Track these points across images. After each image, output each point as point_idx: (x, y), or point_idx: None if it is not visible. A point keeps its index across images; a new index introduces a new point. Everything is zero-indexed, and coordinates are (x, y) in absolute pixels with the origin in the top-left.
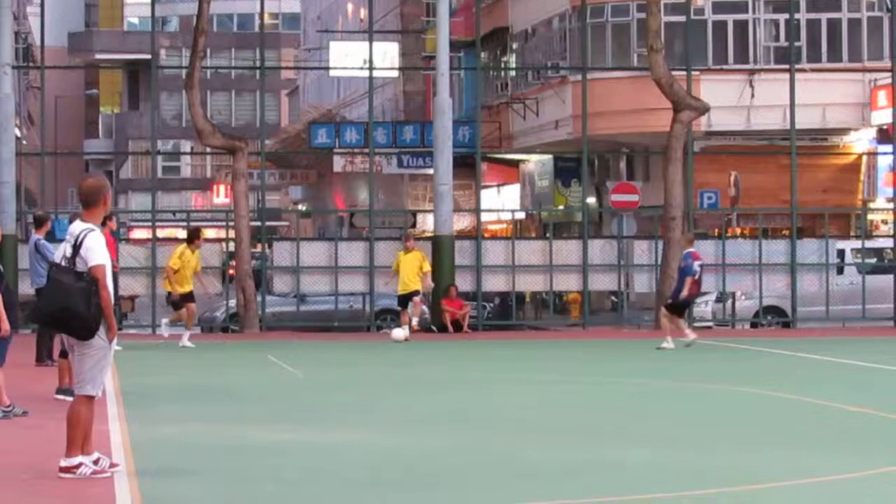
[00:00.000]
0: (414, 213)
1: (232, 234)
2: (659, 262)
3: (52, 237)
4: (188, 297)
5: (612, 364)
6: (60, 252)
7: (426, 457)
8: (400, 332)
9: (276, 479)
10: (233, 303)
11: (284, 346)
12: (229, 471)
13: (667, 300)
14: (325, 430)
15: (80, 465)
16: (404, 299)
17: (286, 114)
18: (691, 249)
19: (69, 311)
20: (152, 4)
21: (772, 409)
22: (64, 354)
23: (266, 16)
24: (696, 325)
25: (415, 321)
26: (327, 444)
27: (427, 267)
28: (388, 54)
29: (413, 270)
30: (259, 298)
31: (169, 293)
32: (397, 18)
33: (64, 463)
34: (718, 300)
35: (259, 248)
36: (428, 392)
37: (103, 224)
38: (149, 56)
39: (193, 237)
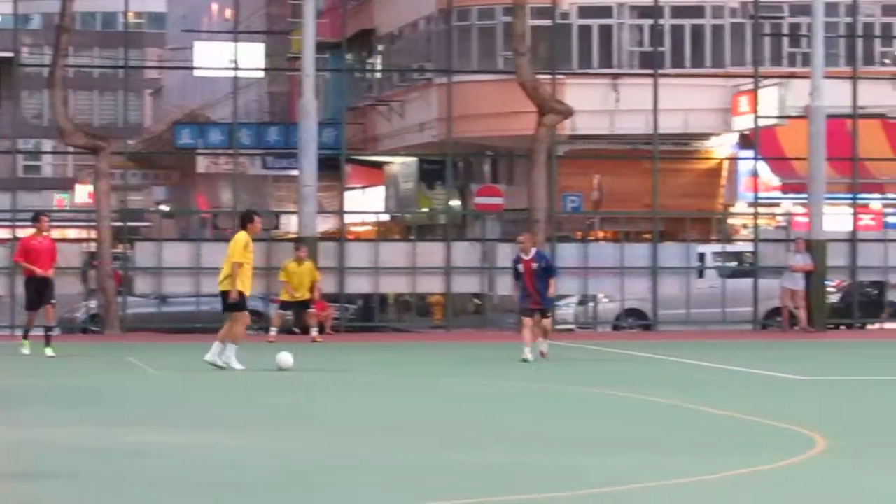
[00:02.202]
0: (277, 215)
1: (94, 234)
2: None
3: None
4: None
5: (475, 366)
6: None
7: (292, 458)
8: (288, 358)
9: (142, 481)
10: (94, 303)
11: (145, 348)
12: (94, 473)
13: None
14: (188, 431)
15: None
16: (290, 306)
17: (150, 113)
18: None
19: None
20: (14, 1)
21: (635, 412)
22: None
23: (131, 15)
24: (557, 327)
25: (314, 331)
26: (191, 446)
27: (318, 276)
28: (253, 55)
29: (308, 282)
30: (120, 299)
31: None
32: (263, 19)
33: None
34: (581, 303)
35: (121, 249)
36: (291, 394)
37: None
38: (11, 54)
39: (247, 221)
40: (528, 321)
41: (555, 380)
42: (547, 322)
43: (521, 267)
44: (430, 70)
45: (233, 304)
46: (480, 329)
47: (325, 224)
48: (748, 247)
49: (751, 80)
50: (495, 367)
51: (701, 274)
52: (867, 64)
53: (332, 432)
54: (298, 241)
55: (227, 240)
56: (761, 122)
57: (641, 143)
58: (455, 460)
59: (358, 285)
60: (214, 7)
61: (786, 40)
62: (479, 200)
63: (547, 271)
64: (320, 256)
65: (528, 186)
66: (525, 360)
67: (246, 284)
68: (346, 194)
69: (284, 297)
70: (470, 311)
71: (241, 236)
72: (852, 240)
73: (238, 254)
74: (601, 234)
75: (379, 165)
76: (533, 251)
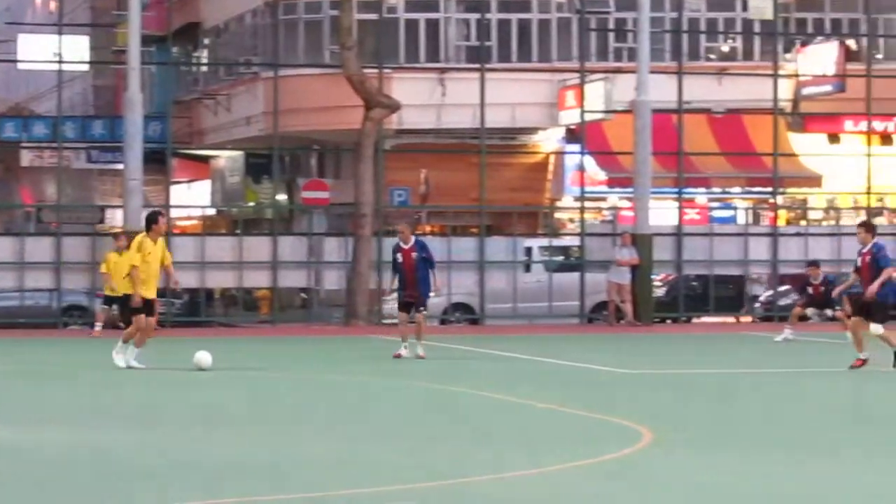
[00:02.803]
0: (102, 209)
1: None
2: (349, 258)
3: None
4: (150, 306)
5: (300, 361)
6: None
7: (107, 454)
8: (207, 358)
9: None
10: None
11: None
12: None
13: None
14: (9, 427)
15: None
16: (114, 300)
17: None
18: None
19: None
20: None
21: (462, 406)
22: None
23: None
24: (384, 322)
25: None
26: (15, 441)
27: None
28: (78, 48)
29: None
30: None
31: (127, 298)
32: (88, 11)
33: None
34: None
35: None
36: (115, 389)
37: None
38: None
39: (152, 222)
40: (403, 316)
41: (389, 374)
42: (420, 317)
43: (399, 256)
44: (256, 64)
45: (134, 308)
46: (307, 323)
47: None
48: (575, 241)
49: (577, 74)
50: (322, 361)
51: (528, 268)
52: (692, 59)
53: (157, 428)
54: (122, 233)
55: (52, 234)
56: (587, 117)
57: (468, 137)
58: (276, 455)
59: (184, 280)
60: None
61: (612, 35)
62: (306, 195)
63: (427, 262)
64: None
65: (354, 180)
66: (399, 357)
67: (149, 287)
68: (172, 188)
69: (107, 291)
70: (296, 306)
71: (137, 238)
72: (678, 234)
73: (131, 256)
74: (428, 229)
75: (205, 159)
76: (412, 240)
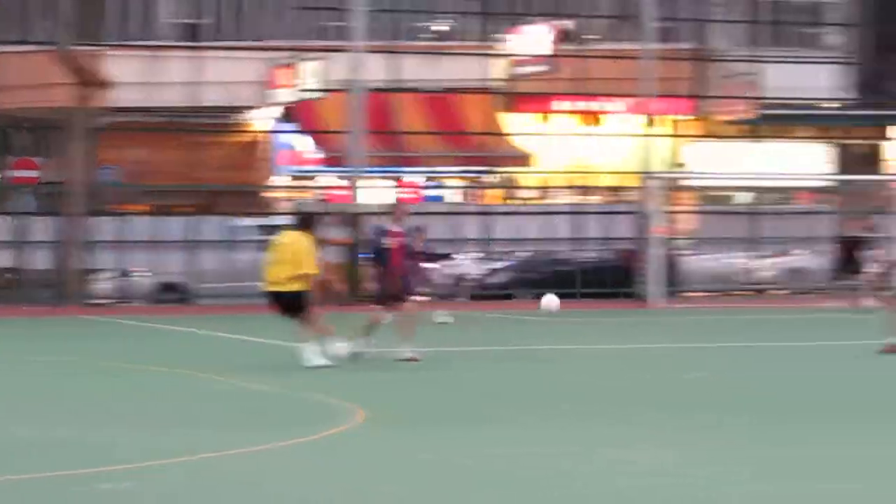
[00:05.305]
0: None
1: None
2: (59, 238)
3: None
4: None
5: (14, 342)
6: None
7: None
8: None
9: None
10: None
11: None
12: None
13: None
14: None
15: None
16: None
17: None
18: None
19: None
20: None
21: (172, 388)
22: None
23: None
24: (94, 302)
25: None
26: None
27: None
28: None
29: None
30: None
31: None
32: None
33: None
34: (117, 277)
35: None
36: None
37: None
38: None
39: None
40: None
41: (93, 355)
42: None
43: (387, 241)
44: None
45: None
46: (15, 304)
47: None
48: (287, 220)
49: (291, 53)
50: (36, 342)
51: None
52: (407, 38)
53: None
54: None
55: None
56: (301, 96)
57: (181, 115)
58: (5, 438)
59: None
60: None
61: (327, 14)
62: (15, 173)
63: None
64: None
65: (65, 159)
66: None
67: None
68: None
69: None
70: (3, 286)
71: (306, 241)
72: (392, 213)
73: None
74: (139, 208)
75: None
76: (406, 222)
